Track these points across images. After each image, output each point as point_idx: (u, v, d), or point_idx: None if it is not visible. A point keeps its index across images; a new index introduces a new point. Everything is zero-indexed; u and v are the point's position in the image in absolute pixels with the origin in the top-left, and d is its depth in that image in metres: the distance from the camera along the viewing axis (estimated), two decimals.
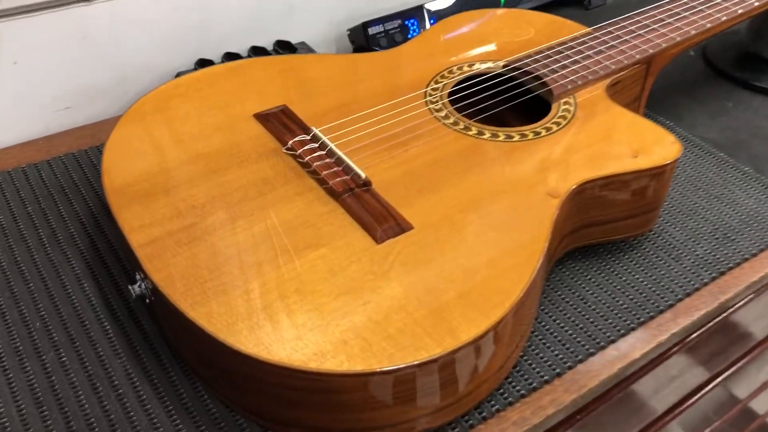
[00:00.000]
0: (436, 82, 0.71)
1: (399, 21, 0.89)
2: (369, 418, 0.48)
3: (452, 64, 0.73)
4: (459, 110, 0.67)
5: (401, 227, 0.55)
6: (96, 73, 0.78)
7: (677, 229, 0.70)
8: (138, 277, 0.54)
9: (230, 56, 0.83)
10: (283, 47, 0.86)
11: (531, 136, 0.64)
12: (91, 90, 0.78)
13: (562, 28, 0.80)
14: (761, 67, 0.94)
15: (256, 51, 0.85)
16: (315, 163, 0.59)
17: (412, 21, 0.90)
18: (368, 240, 0.54)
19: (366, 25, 0.87)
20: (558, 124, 0.66)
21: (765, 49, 0.93)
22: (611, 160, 0.61)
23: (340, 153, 0.60)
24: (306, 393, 0.47)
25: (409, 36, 0.90)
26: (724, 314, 0.70)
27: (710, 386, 0.84)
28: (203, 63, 0.82)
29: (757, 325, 0.86)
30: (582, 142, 0.63)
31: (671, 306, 0.63)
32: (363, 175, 0.58)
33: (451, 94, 0.69)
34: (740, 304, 0.73)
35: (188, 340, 0.51)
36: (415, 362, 0.45)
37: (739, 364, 0.86)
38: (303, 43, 0.87)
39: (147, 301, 0.54)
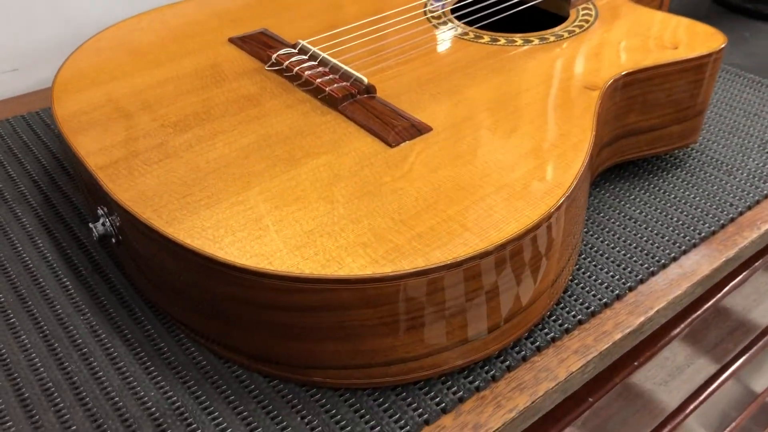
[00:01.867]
0: None
1: None
2: (397, 346, 0.38)
3: None
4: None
5: (418, 129, 0.45)
6: (45, 30, 0.68)
7: (722, 145, 0.62)
8: (100, 212, 0.44)
9: None
10: None
11: (552, 39, 0.56)
12: (40, 49, 0.69)
13: None
14: None
15: None
16: (306, 73, 0.50)
17: None
18: (379, 145, 0.44)
19: None
20: (581, 26, 0.57)
21: None
22: (650, 51, 0.53)
23: (334, 60, 0.50)
24: (316, 313, 0.37)
25: None
26: None
27: (723, 376, 0.73)
28: None
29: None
30: (613, 38, 0.55)
31: (733, 220, 0.54)
32: (365, 80, 0.48)
33: (452, 11, 0.61)
34: None
35: (167, 274, 0.41)
36: (458, 258, 0.36)
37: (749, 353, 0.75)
38: None
39: (113, 240, 0.44)
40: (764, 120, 0.65)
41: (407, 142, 0.44)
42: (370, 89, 0.49)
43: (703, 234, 0.52)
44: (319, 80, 0.49)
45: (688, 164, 0.59)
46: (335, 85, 0.48)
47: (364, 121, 0.46)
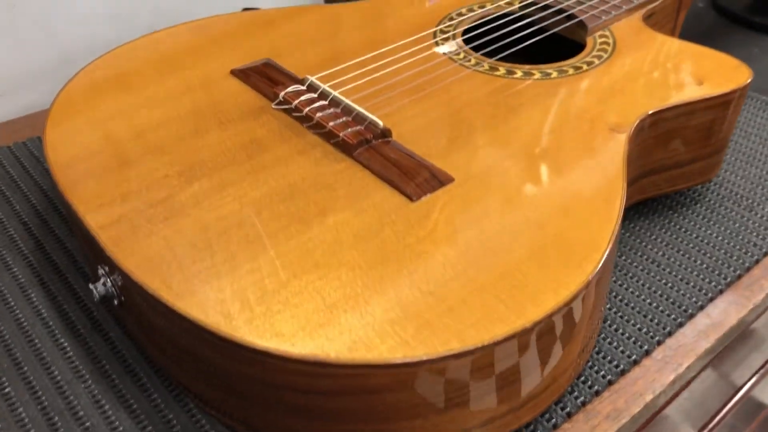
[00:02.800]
0: (444, 29, 0.59)
1: None
2: (427, 427, 0.36)
3: (456, 7, 0.62)
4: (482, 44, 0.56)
5: (439, 180, 0.43)
6: (31, 53, 0.64)
7: (740, 177, 0.60)
8: (101, 271, 0.41)
9: None
10: None
11: (571, 72, 0.53)
12: (27, 73, 0.65)
13: None
14: None
15: None
16: (317, 115, 0.47)
17: None
18: (400, 198, 0.41)
19: None
20: (599, 57, 0.55)
21: None
22: (674, 88, 0.51)
23: (346, 101, 0.48)
24: (342, 397, 0.34)
25: None
26: None
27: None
28: None
29: None
30: (635, 72, 0.52)
31: (758, 261, 0.52)
32: (380, 123, 0.46)
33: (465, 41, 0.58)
34: None
35: (176, 344, 0.38)
36: (495, 339, 0.33)
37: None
38: None
39: (116, 302, 0.41)
40: None
41: (429, 195, 0.42)
42: (385, 133, 0.46)
43: (729, 279, 0.50)
44: (331, 123, 0.46)
45: (707, 198, 0.57)
46: (349, 129, 0.45)
47: (382, 171, 0.43)
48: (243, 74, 0.53)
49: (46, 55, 0.65)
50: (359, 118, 0.47)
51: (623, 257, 0.51)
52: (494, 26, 0.59)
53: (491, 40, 0.58)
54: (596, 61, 0.54)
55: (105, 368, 0.42)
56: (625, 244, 0.53)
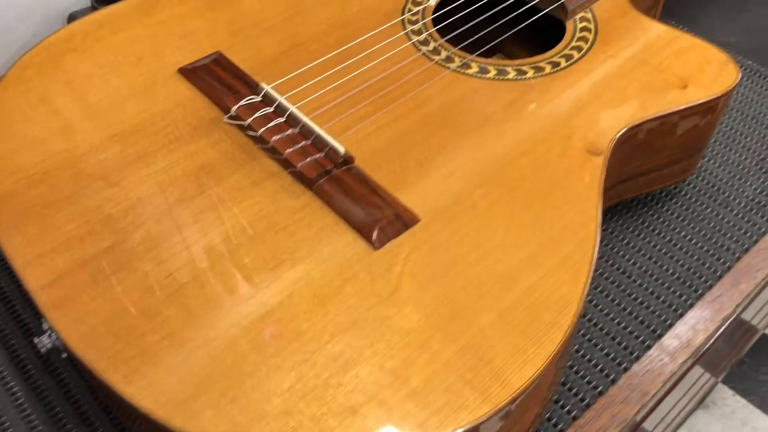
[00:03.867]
0: (414, 3, 0.54)
1: None
2: None
3: None
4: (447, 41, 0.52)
5: (404, 221, 0.40)
6: None
7: (718, 164, 0.58)
8: (45, 325, 0.39)
9: None
10: None
11: (548, 69, 0.49)
12: None
13: None
14: None
15: None
16: (273, 138, 0.43)
17: None
18: (362, 245, 0.39)
19: None
20: (579, 48, 0.51)
21: None
22: (656, 94, 0.47)
23: (305, 119, 0.44)
24: None
25: None
26: None
27: None
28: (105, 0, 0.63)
29: None
30: (614, 72, 0.49)
31: (730, 268, 0.51)
32: (342, 150, 0.42)
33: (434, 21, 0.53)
34: None
35: (128, 414, 0.36)
36: (459, 427, 0.32)
37: None
38: None
39: (64, 355, 0.39)
40: (762, 126, 0.61)
41: (393, 241, 0.39)
42: (347, 160, 0.43)
43: (699, 291, 0.49)
44: (288, 150, 0.42)
45: (683, 192, 0.56)
46: (308, 159, 0.42)
47: (343, 209, 0.40)
48: (191, 74, 0.48)
49: None
50: (319, 143, 0.43)
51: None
52: (468, 2, 0.54)
53: (465, 20, 0.53)
54: (575, 54, 0.50)
55: (58, 416, 0.41)
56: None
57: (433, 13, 0.53)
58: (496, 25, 0.53)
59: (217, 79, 0.48)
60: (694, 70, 0.49)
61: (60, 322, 0.36)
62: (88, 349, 0.35)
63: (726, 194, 0.55)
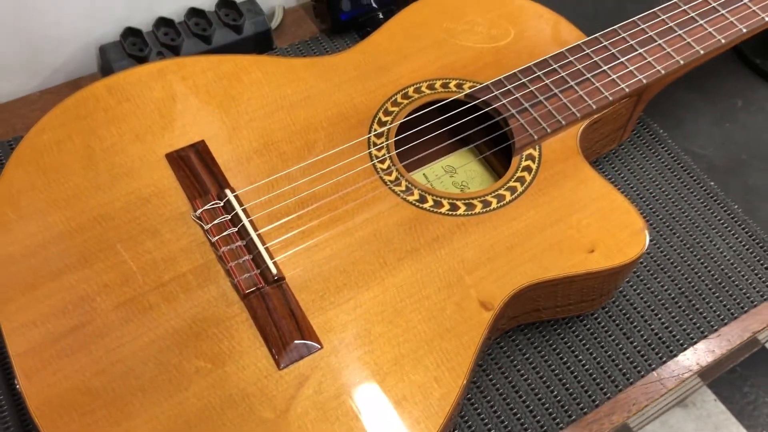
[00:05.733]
0: (386, 113, 0.61)
1: None
2: None
3: (408, 84, 0.63)
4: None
5: (308, 348, 0.49)
6: (4, 48, 0.67)
7: (638, 292, 0.64)
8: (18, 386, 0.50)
9: (164, 22, 0.72)
10: (227, 6, 0.74)
11: (479, 208, 0.56)
12: (1, 66, 0.68)
13: (547, 31, 0.67)
14: None
15: (196, 14, 0.73)
16: (223, 248, 0.52)
17: None
18: (269, 363, 0.49)
19: None
20: (513, 190, 0.57)
21: None
22: (561, 256, 0.54)
23: (252, 234, 0.52)
24: None
25: None
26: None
27: None
28: (131, 32, 0.70)
29: None
30: (533, 225, 0.55)
31: (609, 398, 0.59)
32: (274, 271, 0.51)
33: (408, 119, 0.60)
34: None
35: None
36: None
37: None
38: (252, 2, 0.75)
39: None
40: (696, 258, 0.66)
41: (294, 364, 0.48)
42: (278, 279, 0.51)
43: (573, 418, 0.57)
44: (231, 264, 0.51)
45: (596, 317, 0.62)
46: (245, 274, 0.51)
47: (263, 325, 0.50)
48: (175, 162, 0.57)
49: (14, 49, 0.68)
50: (258, 260, 0.52)
51: (490, 377, 0.58)
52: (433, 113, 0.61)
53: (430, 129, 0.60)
54: (508, 196, 0.57)
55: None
56: (497, 363, 0.59)
57: (399, 131, 0.60)
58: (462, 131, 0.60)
59: (194, 173, 0.56)
60: (606, 235, 0.55)
61: (29, 390, 0.47)
62: (44, 418, 0.46)
63: (633, 324, 0.62)
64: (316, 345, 0.49)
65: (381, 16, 0.78)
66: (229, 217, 0.54)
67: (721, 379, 1.66)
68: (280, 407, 0.47)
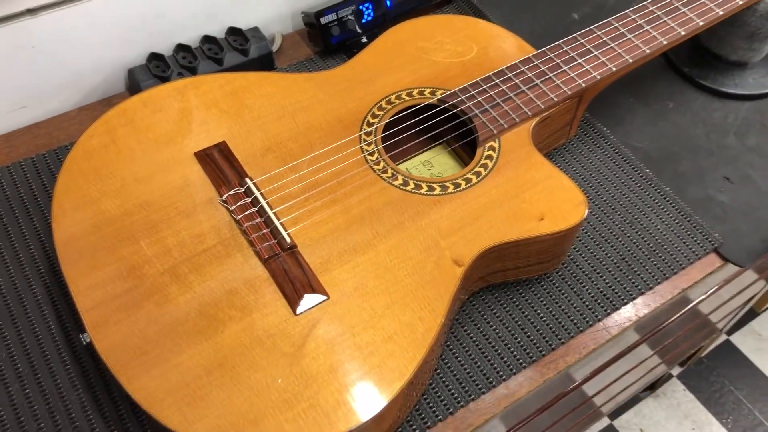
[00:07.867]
0: (373, 116, 0.74)
1: (353, 7, 0.89)
2: None
3: (390, 92, 0.76)
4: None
5: (317, 297, 0.62)
6: (48, 75, 0.80)
7: (586, 258, 0.77)
8: (87, 336, 0.62)
9: (182, 48, 0.85)
10: (235, 33, 0.87)
11: (452, 189, 0.69)
12: (45, 89, 0.81)
13: (504, 47, 0.81)
14: (712, 63, 0.95)
15: (209, 40, 0.86)
16: (246, 224, 0.65)
17: (366, 5, 0.90)
18: (287, 311, 0.61)
19: (318, 15, 0.88)
20: (478, 174, 0.70)
21: (716, 45, 0.94)
22: (517, 223, 0.67)
23: (269, 212, 0.65)
24: None
25: (363, 21, 0.91)
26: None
27: None
28: (155, 57, 0.83)
29: None
30: (495, 200, 0.68)
31: (563, 343, 0.71)
32: (288, 240, 0.64)
33: (391, 120, 0.73)
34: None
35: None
36: None
37: None
38: (256, 29, 0.88)
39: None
40: (634, 230, 0.79)
41: (308, 310, 0.61)
42: (292, 246, 0.64)
43: (533, 358, 0.70)
44: (254, 235, 0.64)
45: (551, 278, 0.75)
46: (265, 243, 0.64)
47: (281, 282, 0.62)
48: (202, 159, 0.69)
49: (59, 75, 0.81)
50: (275, 231, 0.64)
51: (465, 327, 0.71)
52: (413, 115, 0.74)
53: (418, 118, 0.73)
54: (474, 179, 0.70)
55: (90, 381, 0.65)
56: (470, 316, 0.72)
57: (384, 130, 0.73)
58: (436, 130, 0.73)
59: (219, 167, 0.69)
60: (553, 206, 0.68)
61: (96, 336, 0.59)
62: (110, 357, 0.58)
63: (582, 284, 0.75)
64: (324, 296, 0.62)
65: (365, 39, 0.92)
66: (250, 200, 0.66)
67: (689, 371, 1.80)
68: (298, 343, 0.59)
